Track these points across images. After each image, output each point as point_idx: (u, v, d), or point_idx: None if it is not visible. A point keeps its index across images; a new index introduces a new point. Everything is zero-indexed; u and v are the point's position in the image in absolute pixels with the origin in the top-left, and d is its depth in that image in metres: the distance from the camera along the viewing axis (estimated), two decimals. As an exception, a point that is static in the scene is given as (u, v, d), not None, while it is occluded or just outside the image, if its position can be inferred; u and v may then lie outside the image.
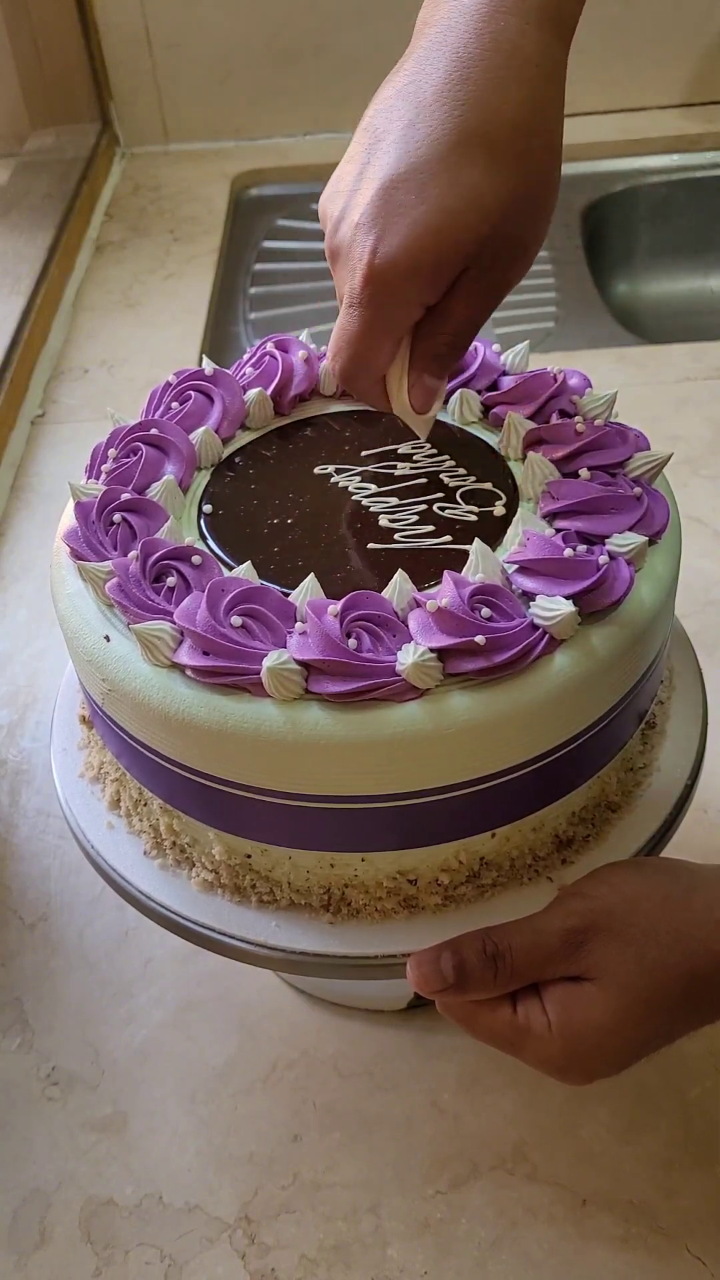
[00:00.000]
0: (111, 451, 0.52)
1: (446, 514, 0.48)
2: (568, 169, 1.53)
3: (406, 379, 0.47)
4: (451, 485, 0.50)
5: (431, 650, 0.41)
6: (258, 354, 0.58)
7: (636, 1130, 0.54)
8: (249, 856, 0.46)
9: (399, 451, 0.52)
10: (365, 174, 0.44)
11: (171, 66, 1.37)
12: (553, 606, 0.42)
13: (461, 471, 0.51)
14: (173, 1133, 0.56)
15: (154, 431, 0.51)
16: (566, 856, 0.48)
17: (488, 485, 0.50)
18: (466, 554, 0.44)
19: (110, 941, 0.64)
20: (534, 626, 0.42)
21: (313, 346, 0.58)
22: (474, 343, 0.56)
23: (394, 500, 0.49)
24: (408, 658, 0.40)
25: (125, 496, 0.48)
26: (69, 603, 0.47)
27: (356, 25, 1.33)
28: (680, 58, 1.37)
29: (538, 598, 0.43)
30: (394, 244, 0.43)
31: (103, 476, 0.50)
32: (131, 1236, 0.52)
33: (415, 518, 0.48)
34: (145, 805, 0.50)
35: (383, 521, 0.48)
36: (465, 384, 0.55)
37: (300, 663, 0.41)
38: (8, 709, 0.78)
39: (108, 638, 0.45)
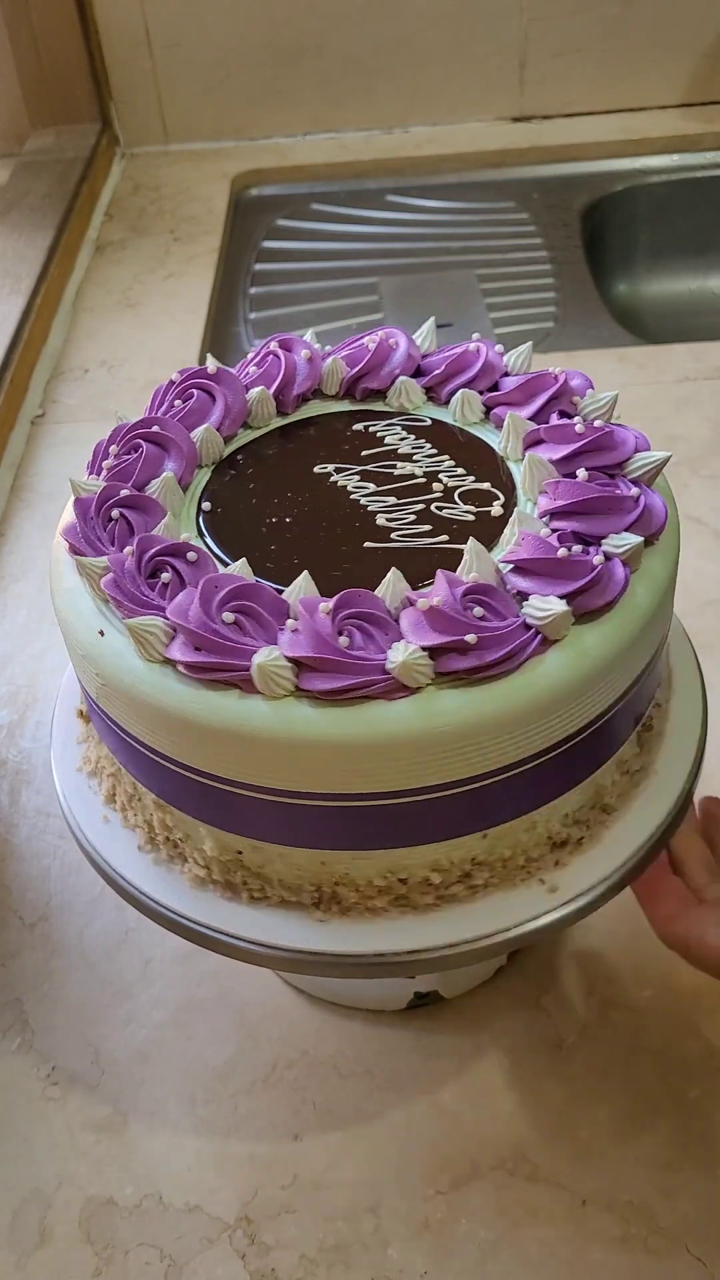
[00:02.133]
0: (113, 448, 0.52)
1: (444, 513, 0.48)
2: (568, 168, 1.52)
3: None
4: (450, 485, 0.50)
5: (422, 649, 0.41)
6: (261, 353, 0.58)
7: (636, 1130, 0.54)
8: (240, 853, 0.47)
9: (399, 451, 0.52)
10: None
11: (171, 66, 1.37)
12: (545, 606, 0.42)
13: (461, 472, 0.51)
14: (173, 1133, 0.56)
15: (155, 429, 0.52)
16: (560, 858, 0.48)
17: (486, 485, 0.50)
18: (462, 553, 0.44)
19: (110, 941, 0.64)
20: (526, 626, 0.42)
21: (316, 346, 0.58)
22: (477, 343, 0.56)
23: (392, 499, 0.49)
24: (398, 656, 0.40)
25: (124, 493, 0.48)
26: (66, 598, 0.47)
27: (356, 25, 1.33)
28: (680, 58, 1.37)
29: (531, 597, 0.43)
30: None
31: (104, 473, 0.50)
32: (131, 1236, 0.52)
33: (413, 517, 0.48)
34: (139, 800, 0.50)
35: (380, 520, 0.48)
36: (468, 384, 0.55)
37: (291, 659, 0.41)
38: (8, 709, 0.78)
39: (101, 632, 0.45)
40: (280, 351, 0.57)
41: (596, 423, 0.50)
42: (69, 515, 0.49)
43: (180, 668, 0.42)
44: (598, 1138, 0.54)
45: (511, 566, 0.44)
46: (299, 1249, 0.52)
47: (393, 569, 0.44)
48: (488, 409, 0.54)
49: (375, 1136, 0.55)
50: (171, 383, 0.56)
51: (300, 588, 0.44)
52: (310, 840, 0.45)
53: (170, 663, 0.43)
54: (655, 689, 0.52)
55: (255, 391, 0.55)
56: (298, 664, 0.41)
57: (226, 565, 0.46)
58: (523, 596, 0.43)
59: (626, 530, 0.46)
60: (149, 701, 0.43)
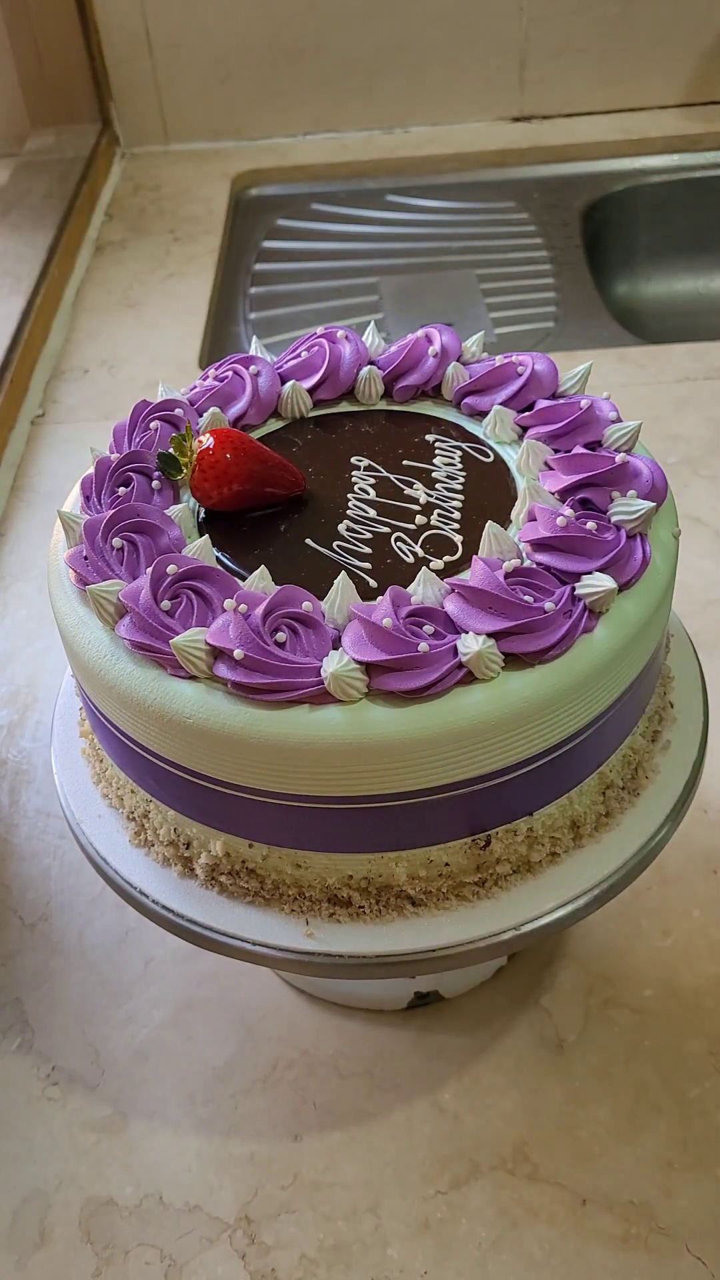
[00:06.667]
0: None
1: (395, 545, 0.47)
2: (568, 168, 1.52)
3: None
4: (430, 523, 0.48)
5: (356, 661, 0.41)
6: (309, 341, 0.57)
7: (636, 1130, 0.54)
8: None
9: (432, 474, 0.51)
10: None
11: (171, 66, 1.37)
12: (472, 643, 0.41)
13: (455, 518, 0.49)
14: (173, 1133, 0.56)
15: (177, 412, 0.53)
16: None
17: (458, 539, 0.48)
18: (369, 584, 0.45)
19: (110, 941, 0.64)
20: (460, 664, 0.42)
21: (366, 342, 0.57)
22: (524, 356, 0.54)
23: (373, 512, 0.49)
24: (331, 666, 0.41)
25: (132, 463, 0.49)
26: (65, 603, 0.47)
27: (356, 25, 1.33)
28: (680, 58, 1.37)
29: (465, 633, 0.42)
30: None
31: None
32: (131, 1236, 0.52)
33: (369, 535, 0.48)
34: (133, 794, 0.50)
35: (341, 527, 0.48)
36: (508, 401, 0.53)
37: (214, 647, 0.42)
38: (8, 709, 0.78)
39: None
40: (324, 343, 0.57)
41: (619, 457, 0.48)
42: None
43: (127, 645, 0.44)
44: (598, 1138, 0.54)
45: (453, 589, 0.44)
46: (299, 1249, 0.52)
47: (343, 573, 0.44)
48: (523, 429, 0.53)
49: (375, 1136, 0.55)
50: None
51: (255, 580, 0.45)
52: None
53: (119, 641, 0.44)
54: (656, 682, 0.52)
55: (287, 387, 0.55)
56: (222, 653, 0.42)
57: (202, 534, 0.47)
58: (454, 624, 0.43)
59: (599, 571, 0.44)
60: (111, 686, 0.44)
